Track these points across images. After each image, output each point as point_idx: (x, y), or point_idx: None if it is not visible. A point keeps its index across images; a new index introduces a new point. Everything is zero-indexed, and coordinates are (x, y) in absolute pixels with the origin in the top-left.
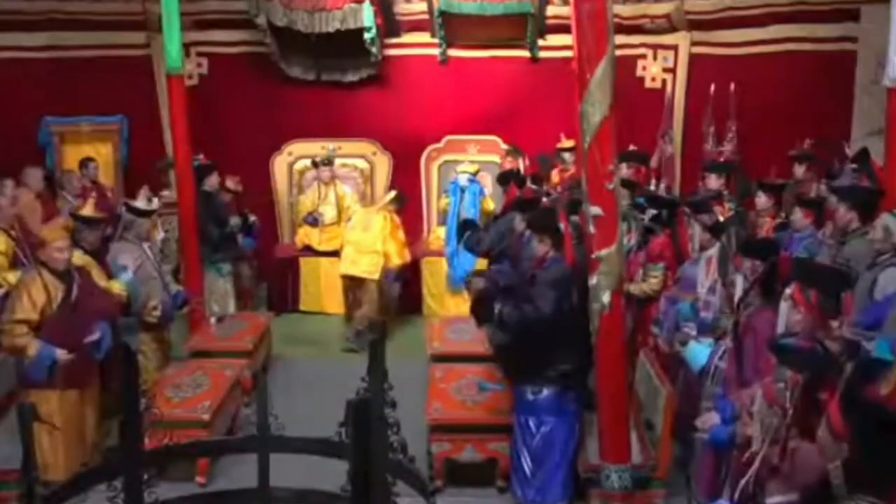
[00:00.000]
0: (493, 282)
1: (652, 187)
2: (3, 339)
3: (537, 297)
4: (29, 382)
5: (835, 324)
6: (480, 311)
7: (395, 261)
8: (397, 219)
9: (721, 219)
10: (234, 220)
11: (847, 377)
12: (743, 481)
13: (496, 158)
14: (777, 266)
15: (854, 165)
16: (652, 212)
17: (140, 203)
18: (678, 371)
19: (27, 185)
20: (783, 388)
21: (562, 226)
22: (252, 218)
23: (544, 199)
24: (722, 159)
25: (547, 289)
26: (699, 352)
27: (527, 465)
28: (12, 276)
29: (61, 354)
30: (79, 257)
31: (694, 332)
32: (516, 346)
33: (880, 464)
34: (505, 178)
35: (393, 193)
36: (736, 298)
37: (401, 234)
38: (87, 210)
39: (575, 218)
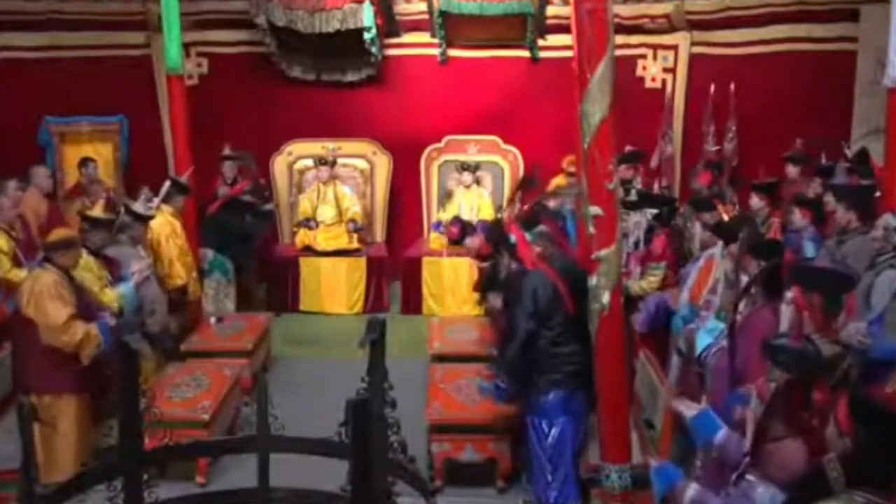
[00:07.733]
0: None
1: (638, 185)
2: (62, 340)
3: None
4: (57, 387)
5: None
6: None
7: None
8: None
9: (725, 218)
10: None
11: (854, 376)
12: (734, 476)
13: (496, 158)
14: (779, 267)
15: (847, 164)
16: (653, 211)
17: (139, 206)
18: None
19: (35, 184)
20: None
21: (512, 237)
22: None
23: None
24: (706, 159)
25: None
26: (701, 339)
27: (546, 467)
28: (13, 275)
29: (108, 317)
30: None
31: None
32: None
33: (882, 461)
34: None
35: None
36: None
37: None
38: (97, 211)
39: (543, 228)
